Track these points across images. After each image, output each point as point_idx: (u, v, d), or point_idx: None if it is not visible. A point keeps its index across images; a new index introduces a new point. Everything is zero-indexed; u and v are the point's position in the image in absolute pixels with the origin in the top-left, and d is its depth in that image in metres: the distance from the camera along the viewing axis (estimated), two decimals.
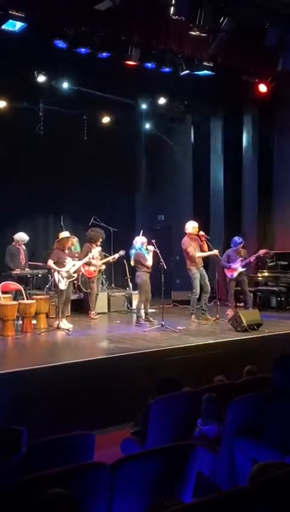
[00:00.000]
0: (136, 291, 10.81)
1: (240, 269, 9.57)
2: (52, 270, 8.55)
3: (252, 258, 9.67)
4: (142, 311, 9.02)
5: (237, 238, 9.78)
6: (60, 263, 8.42)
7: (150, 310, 9.28)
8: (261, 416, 3.78)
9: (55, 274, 8.43)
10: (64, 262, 8.46)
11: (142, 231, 9.43)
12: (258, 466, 2.70)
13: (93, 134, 12.09)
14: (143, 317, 8.98)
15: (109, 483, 2.80)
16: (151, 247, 8.87)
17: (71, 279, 8.64)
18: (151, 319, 9.00)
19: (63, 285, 8.42)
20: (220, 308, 9.49)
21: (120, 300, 10.78)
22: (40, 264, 10.06)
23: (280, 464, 2.67)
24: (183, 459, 3.13)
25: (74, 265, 8.59)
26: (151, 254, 8.87)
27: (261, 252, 10.00)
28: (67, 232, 9.07)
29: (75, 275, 8.83)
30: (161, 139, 13.36)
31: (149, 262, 8.87)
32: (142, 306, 9.04)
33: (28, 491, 2.46)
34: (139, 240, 9.02)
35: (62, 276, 8.38)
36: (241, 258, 9.56)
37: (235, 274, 9.56)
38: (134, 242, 9.07)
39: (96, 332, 8.68)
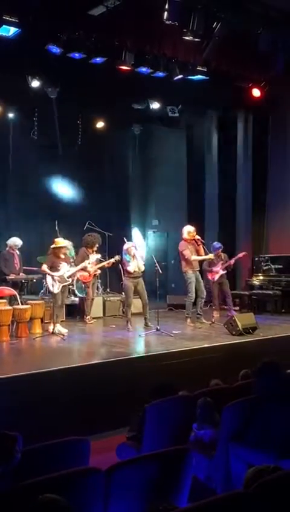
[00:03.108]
0: None
1: (221, 272, 9.61)
2: (46, 275, 8.56)
3: (232, 261, 9.72)
4: (129, 315, 8.98)
5: (215, 243, 9.86)
6: (54, 267, 8.46)
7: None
8: (253, 420, 3.79)
9: (48, 278, 8.47)
10: (58, 267, 8.49)
11: (124, 238, 9.43)
12: (253, 470, 2.69)
13: (87, 138, 12.10)
14: (130, 322, 8.91)
15: (103, 489, 2.79)
16: (132, 251, 8.80)
17: (65, 284, 8.62)
18: (150, 324, 8.89)
19: (56, 288, 8.42)
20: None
21: (115, 305, 10.76)
22: (35, 269, 10.03)
23: (274, 468, 2.67)
24: (178, 463, 3.12)
25: (68, 271, 8.59)
26: (135, 259, 8.76)
27: (241, 254, 10.03)
28: (62, 238, 9.01)
29: (70, 280, 8.79)
30: (155, 143, 13.38)
31: (130, 267, 8.76)
32: (129, 311, 8.97)
33: (23, 497, 2.45)
34: (124, 246, 9.00)
35: (55, 280, 8.40)
36: (222, 262, 9.60)
37: (216, 277, 9.61)
38: None
39: (92, 337, 8.67)
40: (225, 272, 9.66)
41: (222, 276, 9.64)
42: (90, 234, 10.02)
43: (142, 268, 8.84)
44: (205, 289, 9.44)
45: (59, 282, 8.45)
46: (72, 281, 9.81)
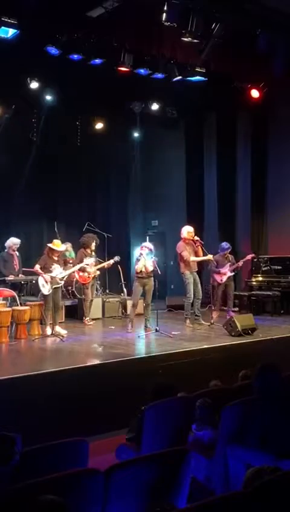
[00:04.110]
0: (130, 297, 10.82)
1: (229, 274, 9.57)
2: (38, 275, 8.54)
3: (240, 263, 9.67)
4: (133, 316, 9.00)
5: (224, 244, 9.76)
6: (46, 269, 8.42)
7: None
8: (252, 421, 3.79)
9: (39, 278, 8.44)
10: (51, 268, 8.43)
11: (147, 238, 9.44)
12: (252, 470, 2.69)
13: (86, 140, 12.11)
14: (131, 323, 8.93)
15: (102, 490, 2.79)
16: (140, 250, 8.83)
17: (57, 286, 8.51)
18: (148, 325, 8.87)
19: (46, 290, 8.38)
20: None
21: (115, 306, 10.76)
22: (33, 270, 10.02)
23: (273, 468, 2.67)
24: (177, 464, 3.12)
25: (61, 273, 8.52)
26: (143, 259, 8.77)
27: (249, 256, 10.01)
28: (59, 241, 8.97)
29: (62, 282, 8.72)
30: (154, 144, 13.39)
31: (136, 266, 8.79)
32: (133, 311, 8.99)
33: (22, 498, 2.45)
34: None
35: (46, 281, 8.37)
36: (229, 263, 9.56)
37: (224, 278, 9.55)
38: None
39: (91, 338, 8.66)
40: (232, 274, 9.64)
41: (229, 277, 9.61)
42: (85, 235, 10.04)
43: (150, 269, 8.75)
44: (201, 290, 9.45)
45: (50, 283, 8.40)
46: (72, 282, 9.82)
